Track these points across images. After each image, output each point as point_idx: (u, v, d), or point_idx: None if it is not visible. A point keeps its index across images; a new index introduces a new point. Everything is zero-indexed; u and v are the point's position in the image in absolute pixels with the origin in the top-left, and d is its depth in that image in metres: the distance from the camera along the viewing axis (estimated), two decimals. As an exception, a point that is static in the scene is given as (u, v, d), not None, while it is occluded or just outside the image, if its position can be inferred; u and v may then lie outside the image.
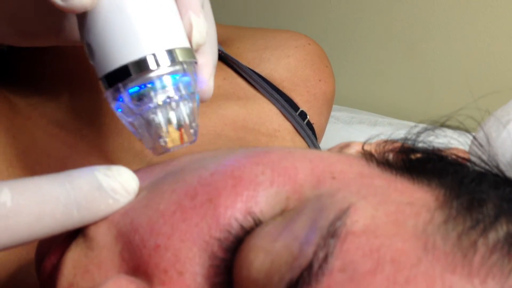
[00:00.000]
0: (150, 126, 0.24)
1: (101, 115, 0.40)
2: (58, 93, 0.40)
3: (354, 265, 0.17)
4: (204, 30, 0.26)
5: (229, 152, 0.24)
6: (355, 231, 0.17)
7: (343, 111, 0.89)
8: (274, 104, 0.46)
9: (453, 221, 0.18)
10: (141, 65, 0.23)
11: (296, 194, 0.21)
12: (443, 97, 0.98)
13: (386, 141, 0.25)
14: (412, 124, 0.25)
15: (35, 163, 0.37)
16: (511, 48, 0.97)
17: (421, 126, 0.25)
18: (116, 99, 0.25)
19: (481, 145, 0.23)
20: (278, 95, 0.46)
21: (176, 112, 0.24)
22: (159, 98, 0.24)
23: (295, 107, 0.46)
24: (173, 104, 0.24)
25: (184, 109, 0.24)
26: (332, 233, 0.17)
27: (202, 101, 0.27)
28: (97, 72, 0.25)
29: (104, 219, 0.22)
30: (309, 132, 0.46)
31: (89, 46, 0.25)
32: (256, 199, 0.20)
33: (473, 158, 0.23)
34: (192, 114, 0.25)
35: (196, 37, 0.26)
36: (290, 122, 0.46)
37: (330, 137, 0.57)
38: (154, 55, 0.24)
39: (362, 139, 0.27)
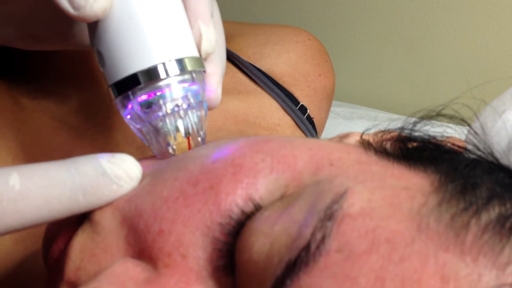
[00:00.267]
0: (159, 133, 0.25)
1: (104, 110, 0.40)
2: (61, 88, 0.41)
3: (350, 246, 0.17)
4: (213, 39, 0.27)
5: (230, 140, 0.24)
6: (352, 214, 0.18)
7: (343, 106, 0.90)
8: (274, 98, 0.46)
9: (447, 203, 0.18)
10: (150, 74, 0.24)
11: (295, 181, 0.21)
12: (442, 93, 0.99)
13: (383, 131, 0.26)
14: (412, 119, 0.26)
15: (40, 155, 0.38)
16: (510, 45, 0.97)
17: (418, 115, 0.25)
18: (125, 106, 0.25)
19: (476, 133, 0.24)
20: (279, 90, 0.46)
21: (184, 120, 0.25)
22: (168, 107, 0.24)
23: (295, 101, 0.47)
24: (182, 112, 0.25)
25: (192, 117, 0.25)
26: (329, 216, 0.18)
27: (209, 108, 0.28)
28: (107, 79, 0.25)
29: (108, 204, 0.23)
30: (309, 126, 0.47)
31: (99, 53, 0.25)
32: (256, 185, 0.21)
33: (469, 147, 0.23)
34: (200, 122, 0.26)
35: (205, 46, 0.27)
36: (291, 116, 0.46)
37: (330, 132, 0.57)
38: (164, 64, 0.24)
39: (362, 134, 0.27)
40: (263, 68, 0.47)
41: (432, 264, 0.16)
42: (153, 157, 0.27)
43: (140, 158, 0.27)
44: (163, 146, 0.25)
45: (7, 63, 0.42)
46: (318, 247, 0.17)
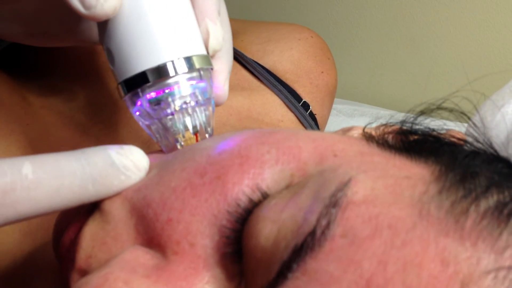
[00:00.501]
0: (167, 130, 0.26)
1: (110, 106, 0.41)
2: (68, 85, 0.41)
3: (354, 231, 0.18)
4: (220, 37, 0.27)
5: (235, 133, 0.25)
6: (355, 201, 0.19)
7: (345, 103, 0.90)
8: (277, 95, 0.47)
9: (447, 191, 0.19)
10: (159, 72, 0.25)
11: (300, 171, 0.22)
12: (444, 91, 0.99)
13: (385, 125, 0.26)
14: (413, 113, 0.26)
15: (48, 150, 0.38)
16: (510, 43, 0.97)
17: (419, 109, 0.26)
18: (135, 103, 0.26)
19: (476, 126, 0.24)
20: (282, 87, 0.47)
21: (192, 117, 0.25)
22: (176, 104, 0.25)
23: (298, 98, 0.47)
24: (190, 109, 0.25)
25: (200, 114, 0.26)
26: (334, 203, 0.19)
27: (216, 105, 0.28)
28: (117, 76, 0.26)
29: (118, 194, 0.23)
30: (311, 123, 0.48)
31: (109, 51, 0.26)
32: (262, 176, 0.22)
33: (468, 139, 0.24)
34: (207, 119, 0.26)
35: (213, 44, 0.27)
36: (293, 112, 0.47)
37: (332, 129, 0.58)
38: (172, 62, 0.25)
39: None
40: (267, 65, 0.48)
41: (433, 248, 0.17)
42: (160, 151, 0.27)
43: (147, 152, 0.28)
44: (171, 142, 0.26)
45: (15, 60, 0.42)
46: (323, 233, 0.18)
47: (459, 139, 0.25)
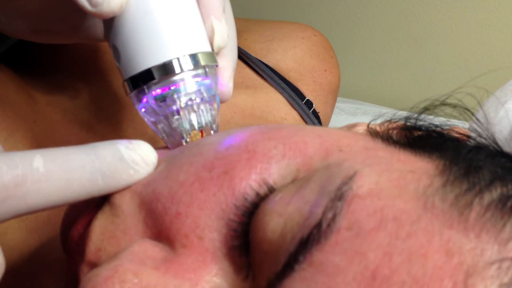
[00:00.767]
0: (172, 127, 0.26)
1: (115, 103, 0.41)
2: (73, 82, 0.42)
3: (360, 224, 0.18)
4: (225, 34, 0.28)
5: (242, 128, 0.25)
6: (361, 194, 0.19)
7: (347, 102, 0.91)
8: (281, 93, 0.47)
9: (451, 184, 0.19)
10: (165, 69, 0.25)
11: (306, 166, 0.22)
12: (446, 89, 0.99)
13: (389, 121, 0.27)
14: (417, 109, 0.26)
15: (54, 146, 0.38)
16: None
17: (422, 105, 0.26)
18: (140, 100, 0.26)
19: (479, 121, 0.24)
20: (285, 85, 0.47)
21: (197, 114, 0.26)
22: (182, 101, 0.25)
23: (301, 96, 0.48)
24: (195, 106, 0.26)
25: (206, 111, 0.26)
26: (339, 196, 0.19)
27: (221, 102, 0.29)
28: (123, 73, 0.26)
29: (127, 188, 0.24)
30: (315, 121, 0.48)
31: (115, 48, 0.26)
32: (269, 170, 0.22)
33: (472, 135, 0.24)
34: (212, 116, 0.27)
35: (218, 41, 0.27)
36: (297, 110, 0.47)
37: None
38: (178, 59, 0.25)
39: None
40: (270, 64, 0.48)
41: (437, 240, 0.17)
42: (166, 147, 0.28)
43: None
44: (177, 138, 0.26)
45: (21, 58, 0.43)
46: (329, 225, 0.18)
47: (462, 134, 0.25)
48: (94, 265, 0.23)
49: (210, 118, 0.27)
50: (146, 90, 0.25)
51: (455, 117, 0.26)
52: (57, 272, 0.35)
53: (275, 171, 0.22)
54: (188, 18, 0.26)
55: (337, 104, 0.56)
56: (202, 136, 0.26)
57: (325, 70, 0.50)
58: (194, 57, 0.25)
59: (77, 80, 0.42)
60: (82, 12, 0.24)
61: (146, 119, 0.27)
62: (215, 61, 0.27)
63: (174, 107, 0.26)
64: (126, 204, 0.23)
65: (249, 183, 0.22)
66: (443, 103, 0.26)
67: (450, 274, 0.16)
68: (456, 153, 0.22)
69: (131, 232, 0.23)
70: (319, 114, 0.49)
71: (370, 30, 1.11)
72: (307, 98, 0.48)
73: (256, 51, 0.49)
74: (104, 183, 0.22)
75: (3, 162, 0.20)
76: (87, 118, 0.41)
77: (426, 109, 0.26)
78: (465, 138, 0.25)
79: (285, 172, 0.22)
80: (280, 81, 0.47)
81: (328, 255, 0.18)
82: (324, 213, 0.19)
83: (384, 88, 1.13)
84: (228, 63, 0.29)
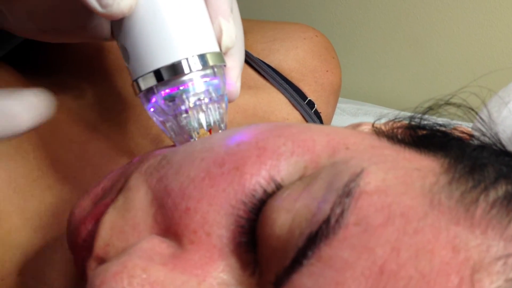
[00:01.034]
0: (181, 126, 0.26)
1: (119, 103, 0.42)
2: (78, 82, 0.42)
3: (368, 219, 0.18)
4: (233, 35, 0.28)
5: (252, 125, 0.25)
6: (368, 191, 0.19)
7: (349, 103, 0.91)
8: (283, 93, 0.48)
9: (457, 182, 0.20)
10: (174, 69, 0.25)
11: (313, 163, 0.23)
12: (447, 90, 1.00)
13: (394, 120, 0.27)
14: (421, 109, 0.27)
15: (58, 146, 0.39)
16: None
17: (427, 105, 0.26)
18: (149, 100, 0.26)
19: (483, 120, 0.25)
20: (287, 85, 0.48)
21: (206, 114, 0.26)
22: (191, 101, 0.26)
23: (303, 96, 0.48)
24: (204, 106, 0.26)
25: (214, 111, 0.26)
26: (347, 193, 0.19)
27: (229, 101, 0.29)
28: (132, 74, 0.26)
29: (144, 182, 0.24)
30: (316, 121, 0.48)
31: (124, 49, 0.26)
32: (278, 167, 0.22)
33: (476, 134, 0.25)
34: (221, 116, 0.27)
35: (226, 41, 0.28)
36: (299, 110, 0.48)
37: (337, 127, 0.58)
38: (187, 59, 0.25)
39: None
40: (272, 64, 0.48)
41: (444, 236, 0.17)
42: (173, 146, 0.28)
43: (157, 148, 0.28)
44: (186, 138, 0.26)
45: (26, 58, 0.43)
46: (337, 221, 0.19)
47: (466, 134, 0.25)
48: (102, 260, 0.23)
49: (218, 118, 0.27)
50: (155, 90, 0.26)
51: (459, 117, 0.26)
52: (62, 270, 0.35)
53: (284, 167, 0.22)
54: (196, 18, 0.26)
55: (338, 105, 0.56)
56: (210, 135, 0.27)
57: (327, 71, 0.50)
58: (202, 57, 0.26)
59: (82, 79, 0.42)
60: (90, 12, 0.25)
61: (154, 119, 0.27)
62: (223, 61, 0.27)
63: (183, 107, 0.26)
64: (140, 199, 0.24)
65: (258, 179, 0.22)
66: (447, 103, 0.26)
67: (457, 270, 0.17)
68: (460, 151, 0.22)
69: (140, 228, 0.23)
70: (320, 114, 0.49)
71: (371, 31, 1.12)
72: (309, 99, 0.48)
73: (258, 52, 0.49)
74: None
75: None
76: (91, 117, 0.41)
77: (430, 109, 0.26)
78: (468, 137, 0.25)
79: (294, 169, 0.22)
80: (282, 82, 0.48)
81: (337, 250, 0.18)
82: (332, 209, 0.19)
83: (385, 88, 1.14)
84: (235, 63, 0.30)
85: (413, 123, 0.26)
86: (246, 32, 0.51)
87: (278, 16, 1.21)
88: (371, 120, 0.28)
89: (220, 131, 0.27)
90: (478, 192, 0.19)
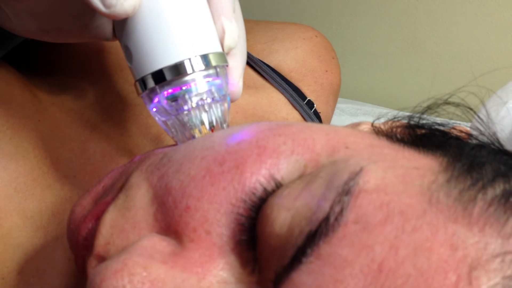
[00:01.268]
0: (184, 126, 0.26)
1: (119, 103, 0.42)
2: (77, 82, 0.42)
3: (367, 217, 0.18)
4: (235, 35, 0.28)
5: (252, 124, 0.25)
6: (367, 189, 0.19)
7: (348, 103, 0.92)
8: (282, 93, 0.48)
9: (455, 180, 0.20)
10: (177, 69, 0.25)
11: (313, 162, 0.23)
12: (447, 90, 1.01)
13: (393, 120, 0.27)
14: (420, 108, 0.27)
15: (59, 145, 0.39)
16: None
17: (425, 104, 0.27)
18: (152, 100, 0.26)
19: (481, 120, 0.25)
20: (287, 85, 0.48)
21: (208, 113, 0.26)
22: (193, 101, 0.26)
23: (302, 96, 0.48)
24: (206, 106, 0.26)
25: (216, 110, 0.27)
26: (346, 191, 0.19)
27: (231, 101, 0.29)
28: (135, 74, 0.27)
29: (145, 181, 0.24)
30: (316, 120, 0.49)
31: (127, 49, 0.26)
32: (278, 166, 0.22)
33: (474, 133, 0.25)
34: (223, 115, 0.27)
35: (228, 42, 0.28)
36: (298, 110, 0.48)
37: (336, 127, 0.59)
38: (189, 60, 0.25)
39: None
40: (272, 64, 0.49)
41: (442, 233, 0.18)
42: (174, 145, 0.28)
43: (158, 147, 0.28)
44: (188, 137, 0.27)
45: (26, 58, 0.43)
46: (336, 219, 0.19)
47: (464, 133, 0.26)
48: (102, 258, 0.23)
49: (221, 117, 0.27)
50: (158, 90, 0.26)
51: (457, 116, 0.26)
52: (62, 269, 0.35)
53: (283, 166, 0.22)
54: (199, 19, 0.26)
55: (337, 105, 0.57)
56: None
57: (326, 71, 0.51)
58: (205, 57, 0.26)
59: (82, 80, 0.42)
60: (92, 12, 0.25)
61: (157, 119, 0.27)
62: (226, 61, 0.27)
63: (186, 107, 0.26)
64: (141, 197, 0.24)
65: (258, 178, 0.22)
66: (446, 102, 0.26)
67: (455, 267, 0.17)
68: (459, 150, 0.22)
69: (140, 226, 0.23)
70: (320, 114, 0.50)
71: (371, 31, 1.12)
72: (308, 99, 0.49)
73: (258, 52, 0.49)
74: None
75: None
76: (92, 117, 0.41)
77: (428, 108, 0.27)
78: (466, 136, 0.25)
79: (293, 168, 0.23)
80: (281, 82, 0.48)
81: (336, 248, 0.18)
82: (331, 207, 0.19)
83: (384, 89, 1.14)
84: (237, 63, 0.30)
85: (412, 122, 0.26)
86: (246, 32, 0.51)
87: (278, 17, 1.22)
88: (370, 120, 0.28)
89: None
90: (476, 190, 0.19)
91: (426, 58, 1.08)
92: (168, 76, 0.25)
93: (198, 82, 0.26)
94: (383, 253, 0.17)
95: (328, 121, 0.53)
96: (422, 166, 0.21)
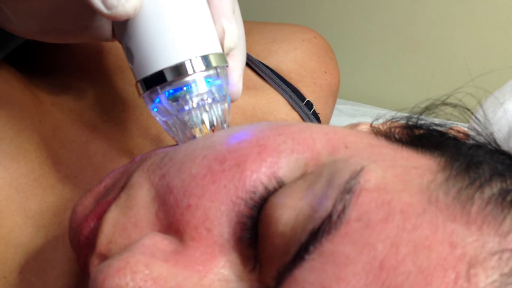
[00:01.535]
0: (185, 126, 0.27)
1: (119, 104, 0.42)
2: (78, 83, 0.42)
3: (368, 215, 0.19)
4: (235, 36, 0.29)
5: (253, 124, 0.26)
6: (368, 188, 0.20)
7: (347, 104, 0.92)
8: (281, 94, 0.48)
9: (453, 179, 0.20)
10: (178, 70, 0.26)
11: (314, 160, 0.23)
12: (445, 91, 1.01)
13: (391, 120, 0.28)
14: (418, 109, 0.27)
15: (60, 146, 0.39)
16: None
17: (423, 105, 0.27)
18: (153, 100, 0.27)
19: (479, 120, 0.25)
20: (286, 86, 0.48)
21: (209, 113, 0.27)
22: (194, 101, 0.26)
23: (301, 97, 0.49)
24: (207, 106, 0.26)
25: (217, 110, 0.27)
26: (348, 190, 0.20)
27: (231, 101, 0.30)
28: (136, 74, 0.27)
29: (146, 180, 0.24)
30: (315, 121, 0.49)
31: (128, 50, 0.26)
32: (278, 164, 0.22)
33: (471, 133, 0.25)
34: (223, 115, 0.27)
35: (228, 42, 0.28)
36: (297, 111, 0.48)
37: (335, 128, 0.59)
38: (190, 60, 0.26)
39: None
40: (271, 65, 0.49)
41: (441, 232, 0.18)
42: (174, 145, 0.28)
43: (159, 147, 0.28)
44: (189, 137, 0.27)
45: (27, 59, 0.43)
46: (339, 217, 0.19)
47: (461, 133, 0.26)
48: (104, 257, 0.23)
49: (221, 117, 0.27)
50: (159, 91, 0.26)
51: (455, 117, 0.27)
52: (63, 269, 0.35)
53: (284, 164, 0.23)
54: (199, 20, 0.27)
55: (336, 106, 0.57)
56: None
57: (325, 72, 0.51)
58: (205, 58, 0.26)
59: (82, 80, 0.42)
60: (92, 13, 0.25)
61: (158, 119, 0.28)
62: (226, 62, 0.28)
63: (186, 107, 0.26)
64: (142, 196, 0.24)
65: (259, 176, 0.22)
66: (444, 103, 0.27)
67: (454, 265, 0.17)
68: (456, 150, 0.23)
69: (142, 225, 0.23)
70: (319, 115, 0.50)
71: (369, 33, 1.13)
72: (307, 99, 0.49)
73: (257, 53, 0.50)
74: None
75: None
76: (92, 118, 0.41)
77: (426, 109, 0.27)
78: (464, 137, 0.26)
79: (294, 167, 0.23)
80: (280, 83, 0.48)
81: (338, 245, 0.18)
82: (334, 205, 0.19)
83: (383, 90, 1.14)
84: (237, 63, 0.30)
85: (410, 123, 0.27)
86: (245, 33, 0.52)
87: (277, 18, 1.22)
88: (369, 121, 0.28)
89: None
90: (474, 189, 0.20)
91: (424, 60, 1.09)
92: (169, 77, 0.26)
93: (198, 83, 0.26)
94: (385, 250, 0.18)
95: (327, 122, 0.53)
96: (421, 165, 0.22)
